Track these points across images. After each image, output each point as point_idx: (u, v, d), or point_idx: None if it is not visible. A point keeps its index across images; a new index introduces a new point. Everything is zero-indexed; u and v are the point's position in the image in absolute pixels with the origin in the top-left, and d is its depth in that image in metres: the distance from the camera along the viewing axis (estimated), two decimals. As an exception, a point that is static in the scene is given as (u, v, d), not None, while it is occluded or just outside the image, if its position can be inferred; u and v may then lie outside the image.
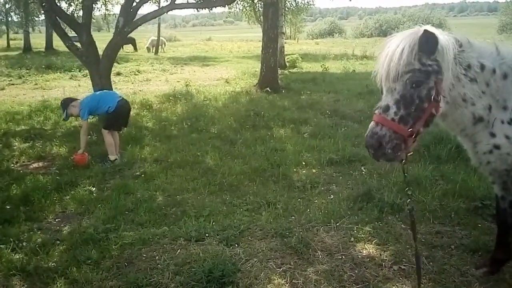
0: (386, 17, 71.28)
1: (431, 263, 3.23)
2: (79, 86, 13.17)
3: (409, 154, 2.29)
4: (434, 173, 4.94)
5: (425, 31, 2.15)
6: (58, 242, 3.66)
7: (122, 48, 27.93)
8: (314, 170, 5.39)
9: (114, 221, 3.95)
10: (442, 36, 2.20)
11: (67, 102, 5.91)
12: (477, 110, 2.38)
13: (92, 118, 7.46)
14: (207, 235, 3.70)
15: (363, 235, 3.67)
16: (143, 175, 5.20)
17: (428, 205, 4.13)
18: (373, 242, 3.55)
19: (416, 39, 2.15)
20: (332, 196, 4.59)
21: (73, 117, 6.38)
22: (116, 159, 5.75)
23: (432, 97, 2.18)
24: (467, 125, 2.45)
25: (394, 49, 2.17)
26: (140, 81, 14.93)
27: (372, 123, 2.26)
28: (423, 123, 2.22)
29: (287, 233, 3.71)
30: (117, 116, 5.88)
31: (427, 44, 2.13)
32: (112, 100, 5.86)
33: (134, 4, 8.04)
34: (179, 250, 3.46)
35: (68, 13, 10.32)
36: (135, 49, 30.04)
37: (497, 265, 3.05)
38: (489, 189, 4.12)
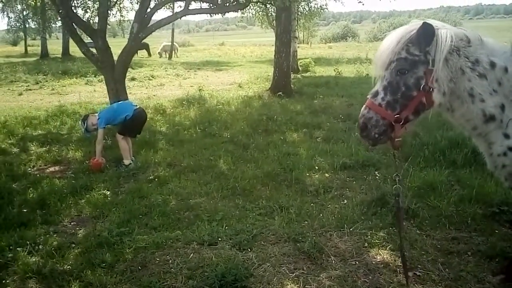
0: (400, 20, 70.67)
1: (447, 270, 3.17)
2: (95, 92, 13.37)
3: (397, 140, 2.36)
4: (450, 178, 4.87)
5: (424, 23, 2.24)
6: (73, 245, 3.71)
7: (137, 53, 28.34)
8: (327, 175, 5.36)
9: (128, 225, 3.98)
10: (442, 30, 2.26)
11: (85, 117, 6.03)
12: (488, 107, 2.35)
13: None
14: (220, 239, 3.71)
15: (377, 241, 3.63)
16: (156, 179, 5.24)
17: (444, 211, 4.06)
18: (387, 248, 3.51)
19: (409, 31, 2.28)
20: (345, 201, 4.55)
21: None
22: (130, 163, 5.79)
23: (422, 87, 2.27)
24: (477, 123, 2.41)
25: (387, 40, 2.34)
26: (154, 86, 15.10)
27: (363, 107, 2.40)
28: (411, 110, 2.31)
29: (300, 238, 3.69)
30: (134, 123, 5.98)
31: (424, 35, 2.24)
32: (129, 108, 5.96)
33: (148, 10, 8.15)
34: (192, 254, 3.48)
35: (84, 19, 10.49)
36: (149, 54, 30.41)
37: (514, 273, 2.98)
38: (506, 195, 4.05)
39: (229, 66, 22.78)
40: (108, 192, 4.86)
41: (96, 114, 5.99)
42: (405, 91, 2.29)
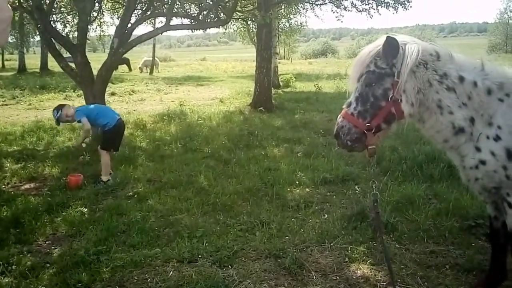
0: (378, 37, 72.43)
1: (426, 283, 3.21)
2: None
3: (370, 147, 2.51)
4: (427, 191, 4.96)
5: (388, 37, 2.41)
6: (48, 265, 3.58)
7: (117, 68, 28.15)
8: (308, 190, 5.38)
9: (105, 243, 3.88)
10: (410, 45, 2.42)
11: (60, 106, 5.86)
12: (456, 120, 2.46)
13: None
14: (200, 256, 3.66)
15: (357, 255, 3.64)
16: (136, 196, 5.16)
17: (422, 224, 4.13)
18: (367, 262, 3.53)
19: (377, 45, 2.46)
20: (326, 216, 4.57)
21: (67, 124, 6.66)
22: (109, 179, 5.67)
23: (390, 97, 2.43)
24: (447, 135, 2.52)
25: (359, 55, 2.54)
26: (135, 101, 14.97)
27: (338, 116, 2.61)
28: (381, 120, 2.48)
29: (281, 253, 3.67)
30: (116, 134, 5.87)
31: (389, 49, 2.40)
32: (112, 117, 5.84)
33: (129, 25, 8.13)
34: (171, 272, 3.41)
35: (63, 34, 10.40)
36: (130, 69, 30.26)
37: (492, 285, 3.02)
38: (482, 208, 4.13)
39: (211, 81, 22.83)
40: (86, 209, 4.74)
41: (72, 106, 5.92)
42: (374, 102, 2.46)
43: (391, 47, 2.40)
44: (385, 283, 3.23)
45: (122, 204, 4.86)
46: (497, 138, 2.42)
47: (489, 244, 3.20)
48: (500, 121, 2.42)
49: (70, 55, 8.03)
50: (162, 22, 9.07)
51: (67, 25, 11.56)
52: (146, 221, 4.41)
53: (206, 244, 3.88)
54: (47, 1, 8.64)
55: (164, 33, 9.41)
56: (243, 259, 3.66)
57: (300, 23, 23.32)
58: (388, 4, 13.15)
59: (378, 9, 13.32)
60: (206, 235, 4.09)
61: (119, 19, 8.53)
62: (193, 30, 10.14)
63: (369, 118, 2.48)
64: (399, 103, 2.44)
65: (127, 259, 3.57)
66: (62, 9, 11.97)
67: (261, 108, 11.66)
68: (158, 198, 5.11)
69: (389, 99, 2.43)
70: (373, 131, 2.48)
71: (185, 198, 5.13)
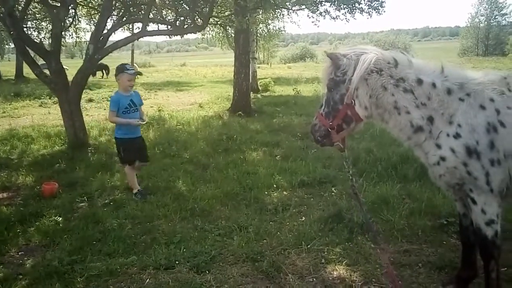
0: (354, 42, 73.82)
1: (399, 282, 3.27)
2: (49, 114, 12.91)
3: (336, 144, 2.90)
4: (401, 192, 5.07)
5: (326, 53, 2.82)
6: (21, 276, 3.51)
7: (95, 74, 27.78)
8: (285, 193, 5.42)
9: (80, 252, 3.82)
10: (367, 55, 2.68)
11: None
12: (414, 119, 2.65)
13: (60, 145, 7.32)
14: (177, 262, 3.64)
15: (333, 257, 3.69)
16: (112, 203, 5.10)
17: (396, 224, 4.21)
18: (343, 263, 3.57)
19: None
20: (303, 218, 4.61)
21: None
22: (136, 192, 5.36)
23: (345, 101, 2.75)
24: (408, 133, 2.72)
25: (325, 65, 2.90)
26: (113, 107, 14.74)
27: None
28: (340, 120, 2.82)
29: (259, 257, 3.70)
30: (128, 146, 5.36)
31: (332, 62, 2.77)
32: (129, 129, 5.33)
33: (105, 31, 8.05)
34: (148, 280, 3.38)
35: (37, 40, 10.21)
36: (107, 75, 29.92)
37: (463, 283, 3.11)
38: (453, 206, 4.25)
39: (190, 87, 22.75)
40: (60, 219, 4.65)
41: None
42: (334, 105, 2.83)
43: (332, 60, 2.75)
44: (360, 283, 3.28)
45: (98, 212, 4.80)
46: (457, 136, 2.54)
47: (460, 241, 3.28)
48: (461, 119, 2.54)
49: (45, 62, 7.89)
50: (139, 28, 9.00)
51: (41, 31, 11.34)
52: (123, 229, 4.36)
53: (184, 250, 3.86)
54: (20, 8, 8.48)
55: (143, 39, 9.38)
56: (220, 264, 3.67)
57: (278, 28, 23.59)
58: (362, 9, 13.40)
59: (354, 14, 13.56)
60: (184, 241, 4.08)
61: (95, 25, 8.43)
62: (170, 36, 10.12)
63: (331, 118, 2.84)
64: (353, 107, 2.75)
65: (103, 268, 3.53)
66: (37, 15, 11.77)
67: (240, 112, 11.69)
68: (136, 205, 5.06)
69: (344, 103, 2.75)
70: (335, 130, 2.84)
71: (163, 204, 5.09)
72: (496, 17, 62.02)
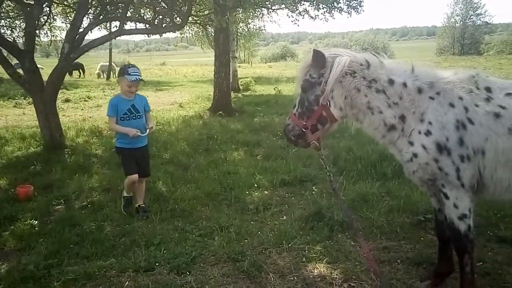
0: (334, 41, 74.62)
1: (379, 279, 3.31)
2: (24, 114, 12.59)
3: (311, 142, 2.92)
4: (380, 189, 5.14)
5: (314, 50, 2.79)
6: (-6, 282, 3.40)
7: (70, 73, 27.20)
8: (266, 192, 5.43)
9: (57, 256, 3.73)
10: (341, 57, 2.73)
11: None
12: (387, 118, 2.75)
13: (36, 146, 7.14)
14: (157, 264, 3.60)
15: (314, 255, 3.71)
16: (90, 205, 5.00)
17: (375, 221, 4.27)
18: (324, 261, 3.60)
19: (310, 57, 2.82)
20: (284, 217, 4.62)
21: None
22: (127, 198, 4.87)
23: (320, 102, 2.80)
24: (382, 131, 2.81)
25: (300, 65, 2.98)
26: (90, 107, 14.51)
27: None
28: (314, 121, 2.87)
29: (240, 257, 3.69)
30: (127, 156, 4.74)
31: (316, 60, 2.77)
32: (137, 139, 4.68)
33: (81, 30, 7.88)
34: (127, 283, 3.33)
35: (10, 39, 9.92)
36: (83, 74, 29.36)
37: (440, 278, 3.18)
38: (430, 203, 4.33)
39: (170, 86, 22.53)
40: (36, 222, 4.53)
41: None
42: (308, 106, 2.87)
43: (318, 59, 2.76)
44: (340, 281, 3.31)
45: (75, 214, 4.70)
46: (428, 133, 2.62)
47: (436, 237, 3.35)
48: (431, 117, 2.63)
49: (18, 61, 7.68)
50: (116, 27, 8.85)
51: (14, 30, 11.02)
52: (101, 231, 4.29)
53: (164, 251, 3.82)
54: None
55: (122, 38, 9.21)
56: (201, 264, 3.64)
57: (259, 28, 23.57)
58: (341, 9, 13.54)
59: (332, 14, 13.67)
60: (164, 242, 4.03)
61: (70, 23, 8.24)
62: (149, 35, 9.99)
63: (306, 118, 2.89)
64: (328, 108, 2.81)
65: (80, 271, 3.45)
66: (10, 13, 11.43)
67: (220, 112, 11.64)
68: (115, 206, 4.97)
69: (319, 104, 2.81)
70: (310, 130, 2.89)
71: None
72: (471, 17, 63.67)
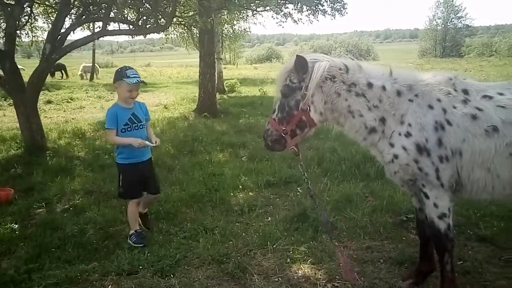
0: (319, 43, 75.19)
1: (362, 278, 3.35)
2: (4, 116, 12.35)
3: (290, 148, 2.95)
4: (364, 190, 5.20)
5: (297, 56, 2.79)
6: (-27, 288, 3.33)
7: (52, 75, 26.75)
8: (251, 193, 5.43)
9: (38, 260, 3.67)
10: (320, 62, 2.75)
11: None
12: (367, 121, 2.80)
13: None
14: (141, 267, 3.57)
15: (299, 256, 3.73)
16: (72, 208, 4.92)
17: (359, 222, 4.32)
18: (308, 262, 3.62)
19: (292, 63, 2.81)
20: (269, 219, 4.64)
21: None
22: (133, 234, 4.12)
23: (300, 107, 2.82)
24: (363, 134, 2.85)
25: (280, 70, 2.97)
26: (73, 109, 14.31)
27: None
28: (294, 126, 2.89)
29: (225, 259, 3.68)
30: (130, 176, 4.11)
31: (299, 65, 2.78)
32: (141, 152, 4.09)
33: (63, 30, 7.77)
34: (109, 286, 3.30)
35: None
36: (66, 75, 28.91)
37: (422, 277, 3.23)
38: (412, 203, 4.40)
39: (155, 88, 22.34)
40: (16, 226, 4.45)
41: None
42: (288, 110, 2.88)
43: (301, 64, 2.77)
44: (324, 281, 3.33)
45: (57, 218, 4.62)
46: (408, 135, 2.68)
47: (417, 236, 3.40)
48: (411, 119, 2.68)
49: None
50: (99, 27, 8.73)
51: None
52: (84, 235, 4.23)
53: (148, 254, 3.79)
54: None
55: (106, 38, 9.09)
56: (186, 267, 3.63)
57: (244, 29, 23.59)
58: (325, 11, 13.65)
59: (317, 15, 13.78)
60: (148, 245, 4.00)
61: (51, 24, 8.11)
62: (133, 36, 9.91)
63: (285, 123, 2.90)
64: (308, 112, 2.84)
65: (62, 275, 3.40)
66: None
67: (205, 113, 11.61)
68: (98, 209, 4.91)
69: (299, 109, 2.83)
70: (289, 135, 2.90)
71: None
72: (453, 20, 64.94)
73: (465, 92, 2.70)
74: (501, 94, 2.65)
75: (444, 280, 2.87)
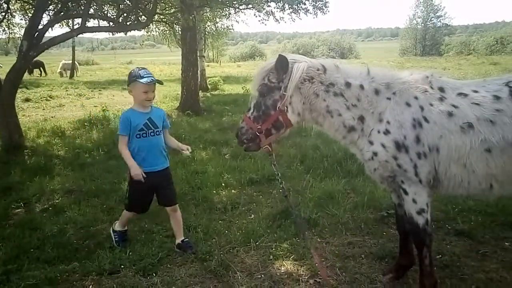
0: (302, 41, 75.52)
1: (344, 273, 3.40)
2: (-20, 114, 11.99)
3: (264, 147, 2.94)
4: (346, 186, 5.26)
5: (280, 55, 2.79)
6: None
7: (31, 72, 26.16)
8: (234, 191, 5.43)
9: (16, 261, 3.60)
10: (299, 63, 2.77)
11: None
12: (346, 120, 2.85)
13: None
14: (122, 266, 3.53)
15: (281, 252, 3.75)
16: (51, 208, 4.84)
17: (341, 218, 4.37)
18: (290, 258, 3.65)
19: (271, 62, 2.83)
20: (252, 216, 4.65)
21: None
22: (120, 232, 4.00)
23: (277, 107, 2.82)
24: (343, 133, 2.90)
25: (258, 69, 2.97)
26: (52, 107, 14.03)
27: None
28: (269, 125, 2.89)
29: (207, 257, 3.68)
30: (138, 190, 3.82)
31: (280, 66, 2.79)
32: (155, 159, 3.83)
33: (41, 27, 7.60)
34: (90, 286, 3.26)
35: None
36: (45, 73, 28.31)
37: (401, 271, 3.29)
38: (391, 199, 4.48)
39: (137, 85, 22.04)
40: (-7, 227, 4.35)
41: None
42: (265, 110, 2.88)
43: (282, 64, 2.77)
44: (306, 277, 3.36)
45: (36, 218, 4.54)
46: (386, 132, 2.72)
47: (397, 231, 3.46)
48: (389, 117, 2.73)
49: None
50: (79, 24, 8.57)
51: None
52: (64, 234, 4.16)
53: (130, 253, 3.76)
54: None
55: (86, 35, 8.95)
56: (168, 265, 3.61)
57: (227, 27, 23.50)
58: (307, 9, 13.72)
59: (299, 14, 13.85)
60: (130, 244, 3.96)
61: (29, 20, 7.92)
62: (113, 33, 9.76)
63: (261, 122, 2.90)
64: (285, 113, 2.84)
65: (41, 276, 3.35)
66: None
67: (188, 111, 11.54)
68: (78, 209, 4.84)
69: (277, 109, 2.83)
70: (264, 134, 2.89)
71: (108, 207, 4.92)
72: (432, 19, 66.11)
73: (441, 89, 2.75)
74: (475, 91, 2.71)
75: (423, 274, 2.93)
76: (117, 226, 4.05)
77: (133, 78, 3.70)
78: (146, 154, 3.74)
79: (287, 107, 2.83)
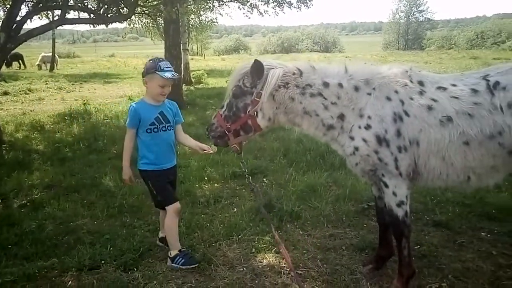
0: (287, 35, 75.53)
1: (325, 265, 3.43)
2: (-44, 108, 11.68)
3: (232, 146, 3.03)
4: (328, 179, 5.30)
5: (255, 60, 2.81)
6: None
7: (10, 65, 25.54)
8: (217, 185, 5.42)
9: (-8, 258, 3.52)
10: (274, 70, 2.80)
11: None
12: (324, 119, 2.87)
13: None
14: (103, 262, 3.49)
15: (263, 245, 3.76)
16: (29, 204, 4.74)
17: (323, 210, 4.41)
18: (272, 251, 3.66)
19: (248, 65, 2.86)
20: (235, 210, 4.65)
21: None
22: (178, 256, 3.48)
23: (247, 111, 2.88)
24: (322, 130, 2.93)
25: (236, 69, 3.02)
26: (32, 101, 13.73)
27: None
28: (237, 126, 2.96)
29: (190, 250, 3.66)
30: (157, 181, 3.57)
31: (255, 70, 2.82)
32: (167, 156, 3.61)
33: (19, 18, 7.39)
34: (70, 282, 3.21)
35: None
36: (24, 65, 27.67)
37: (381, 261, 3.34)
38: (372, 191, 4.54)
39: (119, 79, 21.78)
40: (-31, 223, 4.24)
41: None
42: (235, 111, 2.94)
43: (257, 70, 2.80)
44: (288, 269, 3.38)
45: (14, 213, 4.45)
46: (367, 127, 2.75)
47: (377, 223, 3.51)
48: (370, 112, 2.75)
49: None
50: (58, 16, 8.37)
51: None
52: (42, 230, 4.09)
53: (111, 248, 3.71)
54: None
55: (67, 27, 8.76)
56: (149, 260, 3.58)
57: (211, 20, 23.33)
58: (290, 3, 13.71)
59: (283, 7, 13.83)
60: (111, 239, 3.91)
61: (6, 11, 7.70)
62: (94, 25, 9.57)
63: (231, 122, 2.96)
64: (255, 118, 2.90)
65: (19, 273, 3.28)
66: None
67: (171, 105, 11.42)
68: (57, 204, 4.76)
69: (247, 113, 2.89)
70: (232, 133, 2.97)
71: (89, 202, 4.86)
72: (415, 13, 67.00)
73: (421, 83, 2.78)
74: (454, 85, 2.75)
75: (402, 264, 2.97)
76: (173, 251, 3.50)
77: (152, 69, 3.38)
78: (157, 150, 3.51)
79: (257, 112, 2.88)
